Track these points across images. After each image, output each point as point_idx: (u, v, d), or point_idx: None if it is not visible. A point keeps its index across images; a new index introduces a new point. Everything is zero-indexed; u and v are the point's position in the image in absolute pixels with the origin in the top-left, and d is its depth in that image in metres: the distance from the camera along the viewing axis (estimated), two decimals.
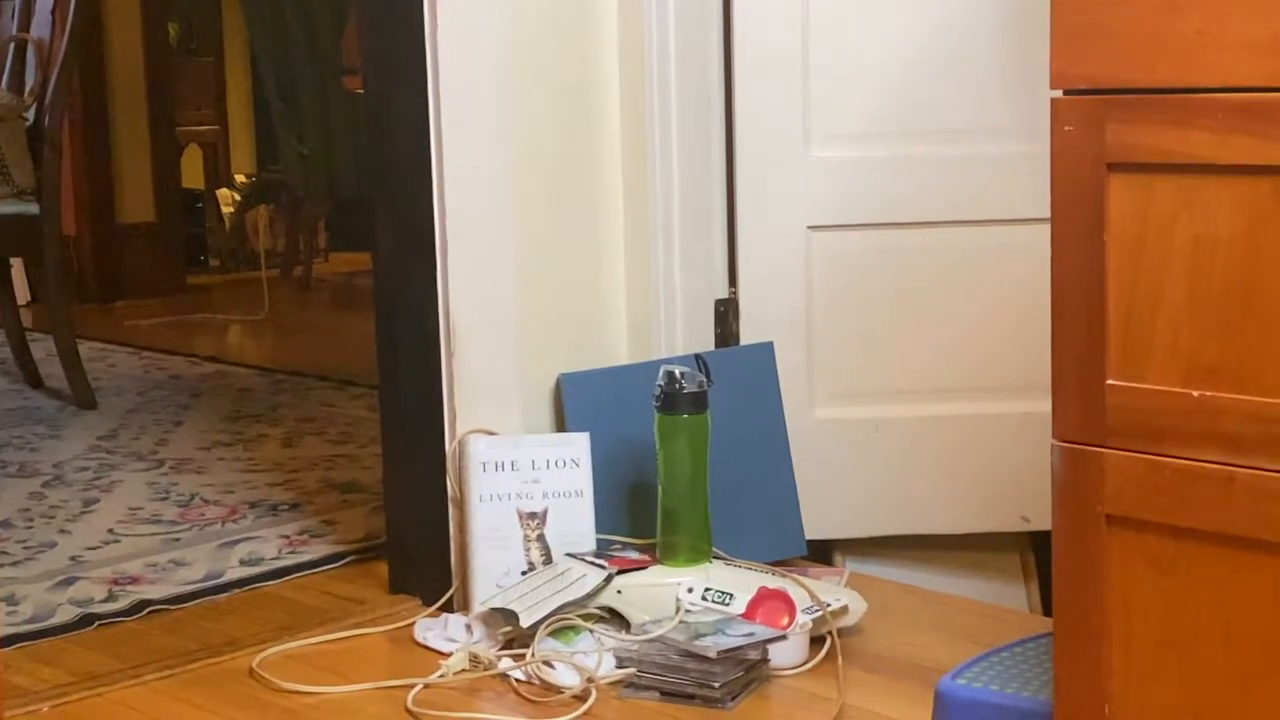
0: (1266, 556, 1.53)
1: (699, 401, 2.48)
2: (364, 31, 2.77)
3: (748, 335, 2.85)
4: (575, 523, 2.58)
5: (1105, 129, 1.58)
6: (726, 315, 2.87)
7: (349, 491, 3.45)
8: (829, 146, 2.81)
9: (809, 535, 2.81)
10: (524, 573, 2.55)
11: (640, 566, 2.51)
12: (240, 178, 7.72)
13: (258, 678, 2.41)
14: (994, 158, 2.76)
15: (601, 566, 2.48)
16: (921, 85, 2.78)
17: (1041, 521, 2.57)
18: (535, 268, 2.69)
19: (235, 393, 4.59)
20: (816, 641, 2.41)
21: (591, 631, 2.42)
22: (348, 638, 2.57)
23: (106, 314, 6.11)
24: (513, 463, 2.58)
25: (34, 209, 4.30)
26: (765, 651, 2.33)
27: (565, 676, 2.33)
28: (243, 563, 2.97)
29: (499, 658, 2.40)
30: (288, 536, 3.12)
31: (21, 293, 5.70)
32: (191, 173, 7.52)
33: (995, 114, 2.76)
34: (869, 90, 2.80)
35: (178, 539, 3.14)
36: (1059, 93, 1.62)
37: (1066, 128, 1.60)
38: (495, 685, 2.36)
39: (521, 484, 2.58)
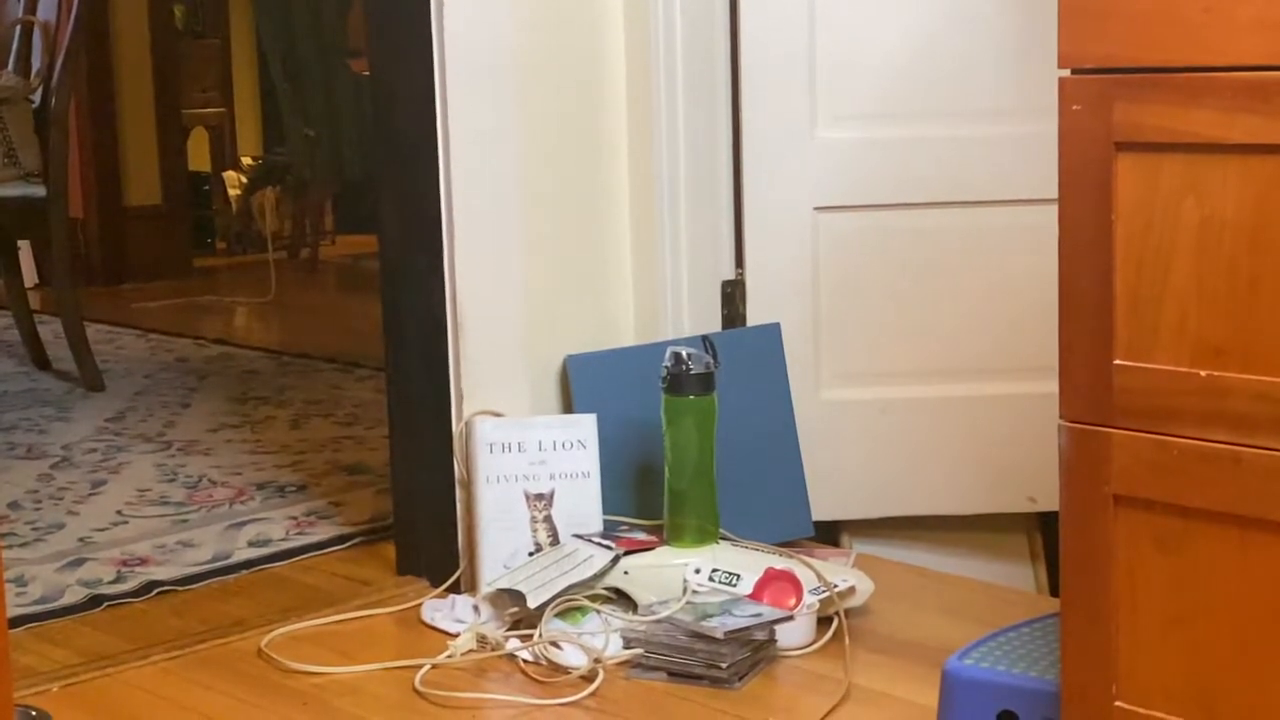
0: (1274, 536, 1.53)
1: (706, 383, 2.48)
2: (371, 14, 2.77)
3: (754, 316, 2.85)
4: (582, 504, 2.59)
5: (1113, 109, 1.57)
6: (733, 296, 2.87)
7: (356, 473, 3.45)
8: (836, 127, 2.81)
9: (816, 516, 2.81)
10: (531, 554, 2.56)
11: (647, 547, 2.51)
12: (246, 160, 7.71)
13: (266, 658, 2.42)
14: (1001, 138, 2.76)
15: (608, 547, 2.48)
16: (928, 65, 2.78)
17: (1048, 502, 2.57)
18: (541, 249, 2.70)
19: (242, 375, 4.59)
20: (823, 622, 2.41)
21: (599, 612, 2.42)
22: (355, 619, 2.58)
23: (113, 296, 6.11)
24: (519, 444, 2.59)
25: (41, 192, 4.30)
26: (772, 632, 2.33)
27: (572, 657, 2.33)
28: (250, 544, 2.97)
29: (506, 638, 2.40)
30: (295, 518, 3.13)
31: (29, 275, 5.70)
32: (198, 155, 7.51)
33: (1002, 94, 2.76)
34: (876, 71, 2.79)
35: (186, 520, 3.15)
36: (1066, 72, 1.61)
37: (1074, 107, 1.60)
38: (502, 666, 2.36)
39: (528, 465, 2.58)
